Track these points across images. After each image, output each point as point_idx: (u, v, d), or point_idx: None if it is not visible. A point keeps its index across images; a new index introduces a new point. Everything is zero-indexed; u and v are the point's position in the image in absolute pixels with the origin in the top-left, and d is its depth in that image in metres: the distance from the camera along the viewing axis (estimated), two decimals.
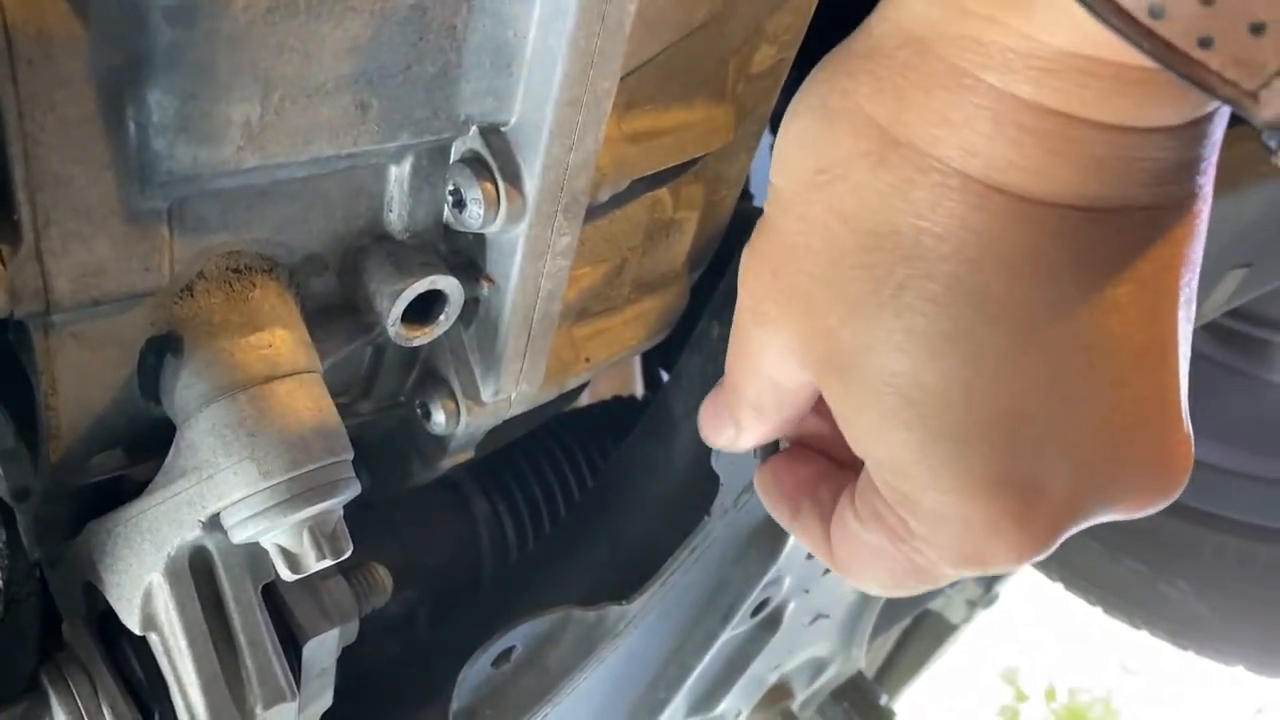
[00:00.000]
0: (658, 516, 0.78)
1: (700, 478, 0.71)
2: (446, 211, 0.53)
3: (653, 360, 1.06)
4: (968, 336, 0.36)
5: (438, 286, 0.53)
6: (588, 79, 0.47)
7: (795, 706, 1.04)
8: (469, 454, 0.69)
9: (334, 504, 0.49)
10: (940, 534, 0.40)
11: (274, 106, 0.43)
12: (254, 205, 0.48)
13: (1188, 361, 0.39)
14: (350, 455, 0.50)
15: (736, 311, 0.45)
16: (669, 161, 0.60)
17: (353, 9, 0.42)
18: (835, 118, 0.38)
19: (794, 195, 0.40)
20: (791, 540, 0.74)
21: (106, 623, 0.55)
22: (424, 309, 0.54)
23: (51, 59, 0.37)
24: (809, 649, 0.99)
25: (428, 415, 0.63)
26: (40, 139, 0.39)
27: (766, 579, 0.76)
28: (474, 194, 0.50)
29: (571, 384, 0.68)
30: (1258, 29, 0.28)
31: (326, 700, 0.60)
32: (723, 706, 0.92)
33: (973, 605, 1.61)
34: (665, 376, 0.90)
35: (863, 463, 0.43)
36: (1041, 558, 0.40)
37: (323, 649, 0.57)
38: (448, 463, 0.69)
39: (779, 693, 1.01)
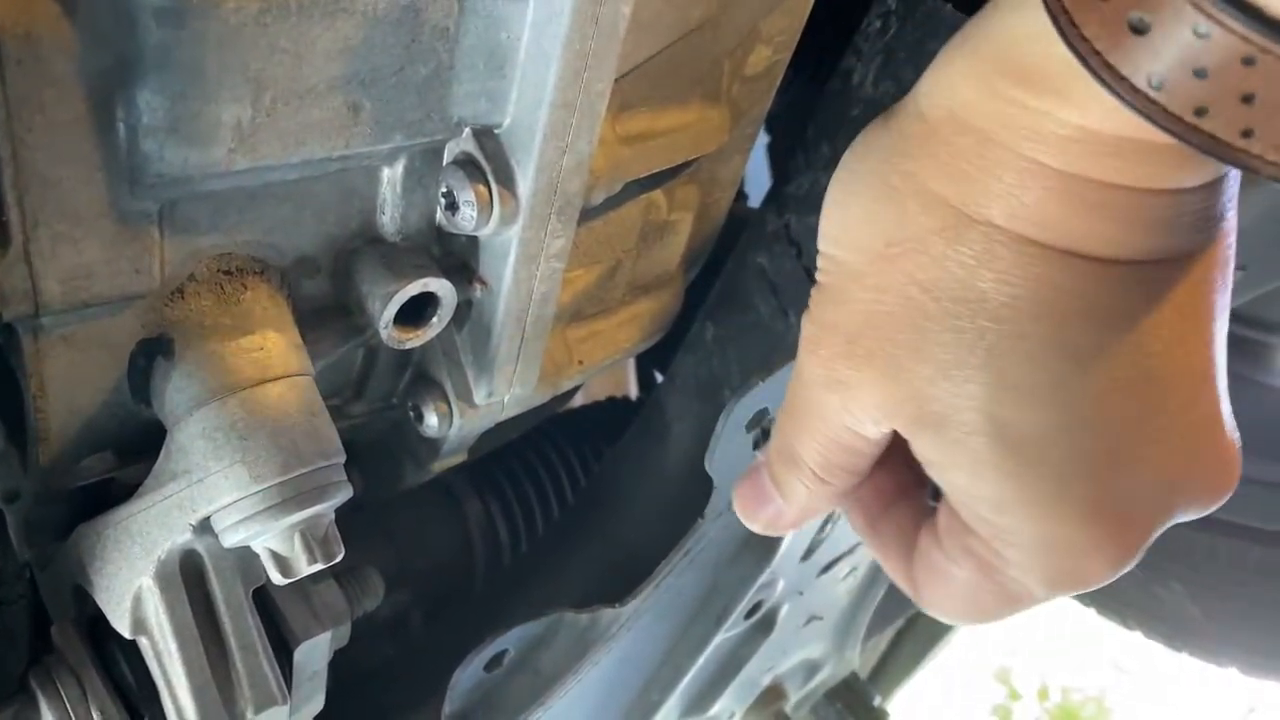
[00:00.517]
0: (651, 518, 0.78)
1: (694, 480, 0.71)
2: (439, 214, 0.53)
3: (647, 361, 1.06)
4: (1062, 385, 0.41)
5: (430, 289, 0.53)
6: (582, 81, 0.47)
7: (789, 708, 1.04)
8: (462, 456, 0.69)
9: (325, 508, 0.49)
10: (1042, 559, 0.43)
11: (265, 108, 0.43)
12: (245, 207, 0.48)
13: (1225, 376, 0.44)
14: (342, 458, 0.50)
15: (798, 380, 0.48)
16: (663, 163, 0.60)
17: (344, 10, 0.42)
18: (902, 197, 0.42)
19: (865, 266, 0.44)
20: (785, 543, 0.74)
21: (97, 626, 0.55)
22: (416, 311, 0.54)
23: (41, 60, 0.37)
24: (803, 651, 0.99)
25: (420, 418, 0.63)
26: (29, 140, 0.38)
27: (760, 581, 0.76)
28: (467, 196, 0.50)
29: (565, 386, 0.68)
30: None
31: (318, 704, 0.60)
32: (716, 708, 0.92)
33: None
34: (659, 378, 0.90)
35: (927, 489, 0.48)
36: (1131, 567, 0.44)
37: (314, 652, 0.57)
38: (440, 465, 0.69)
39: (773, 694, 1.01)
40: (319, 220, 0.51)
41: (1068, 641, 3.25)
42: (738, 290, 0.74)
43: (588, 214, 0.59)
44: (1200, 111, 0.32)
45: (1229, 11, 0.31)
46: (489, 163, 0.50)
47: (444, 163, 0.51)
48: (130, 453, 0.53)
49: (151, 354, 0.49)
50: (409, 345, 0.55)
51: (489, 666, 0.67)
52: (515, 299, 0.55)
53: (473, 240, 0.54)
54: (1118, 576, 0.44)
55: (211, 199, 0.46)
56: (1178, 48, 0.32)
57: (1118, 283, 0.40)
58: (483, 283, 0.55)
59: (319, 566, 0.49)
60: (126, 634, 0.51)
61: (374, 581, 0.62)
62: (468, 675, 0.66)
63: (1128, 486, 0.42)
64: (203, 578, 0.52)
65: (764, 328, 0.72)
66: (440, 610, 0.86)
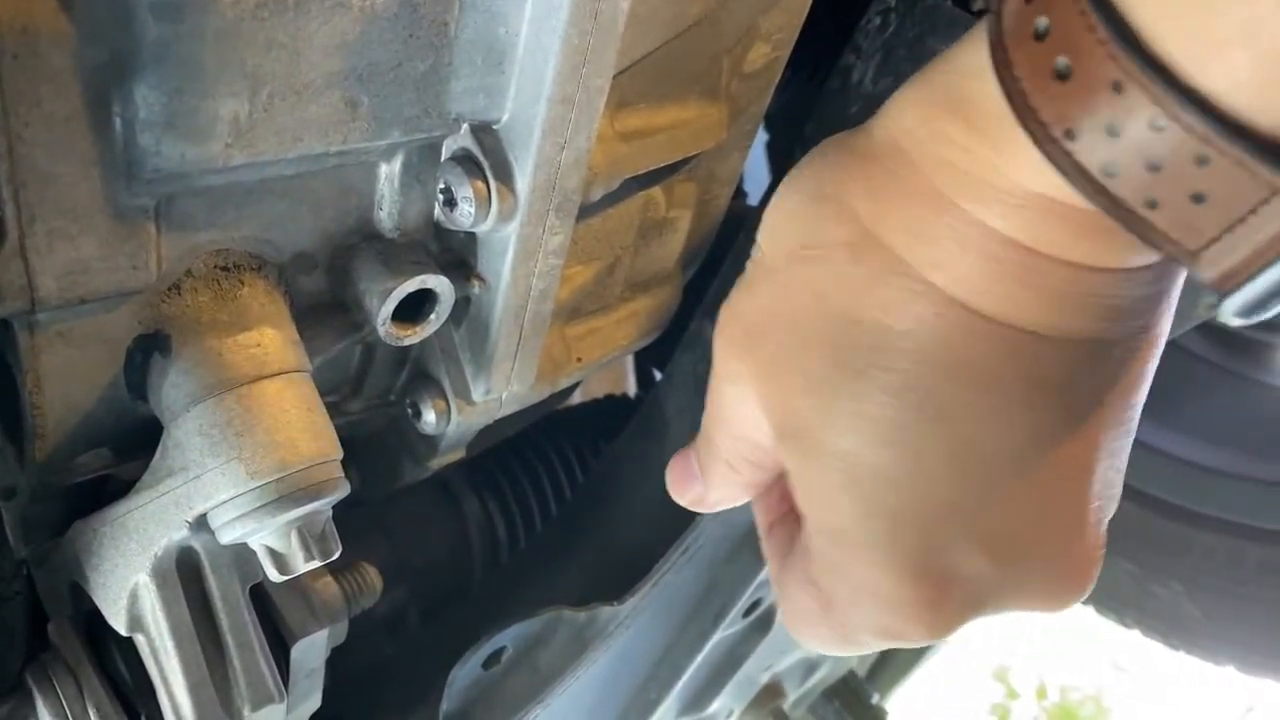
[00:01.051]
0: (650, 516, 0.78)
1: None
2: (437, 210, 0.53)
3: (645, 359, 1.06)
4: (912, 430, 0.39)
5: (428, 285, 0.53)
6: (580, 77, 0.46)
7: (787, 706, 1.04)
8: (460, 453, 0.69)
9: (322, 505, 0.49)
10: (863, 606, 0.43)
11: (262, 103, 0.43)
12: (242, 203, 0.47)
13: (1122, 480, 0.42)
14: (339, 455, 0.50)
15: (713, 365, 0.47)
16: (662, 160, 0.60)
17: (342, 5, 0.42)
18: (825, 202, 0.42)
19: (777, 263, 0.43)
20: None
21: (93, 623, 0.54)
22: (414, 308, 0.54)
23: (37, 54, 0.37)
24: (801, 649, 0.98)
25: (418, 414, 0.63)
26: (25, 136, 0.38)
27: (759, 579, 0.76)
28: (465, 192, 0.50)
29: (563, 384, 0.68)
30: (1198, 199, 0.30)
31: (315, 701, 0.60)
32: (714, 707, 0.92)
33: None
34: (658, 375, 0.90)
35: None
36: (945, 639, 0.43)
37: (311, 650, 0.57)
38: (438, 462, 0.68)
39: (771, 693, 1.01)
40: (316, 216, 0.51)
41: (1066, 640, 3.25)
42: None
43: (586, 211, 0.59)
44: (1109, 170, 0.31)
45: (1126, 50, 0.30)
46: (487, 159, 0.49)
47: (442, 159, 0.51)
48: (127, 449, 0.53)
49: (148, 350, 0.49)
50: (407, 342, 0.55)
51: (487, 664, 0.67)
52: (513, 295, 0.55)
53: (471, 237, 0.54)
54: (934, 643, 0.43)
55: (208, 194, 0.46)
56: (1088, 96, 0.31)
57: (999, 346, 0.38)
58: (481, 279, 0.55)
59: (316, 564, 0.49)
60: (123, 631, 0.51)
61: (372, 579, 0.62)
62: (465, 673, 0.66)
63: (956, 555, 0.40)
64: (199, 575, 0.51)
65: None
66: (438, 608, 0.86)
